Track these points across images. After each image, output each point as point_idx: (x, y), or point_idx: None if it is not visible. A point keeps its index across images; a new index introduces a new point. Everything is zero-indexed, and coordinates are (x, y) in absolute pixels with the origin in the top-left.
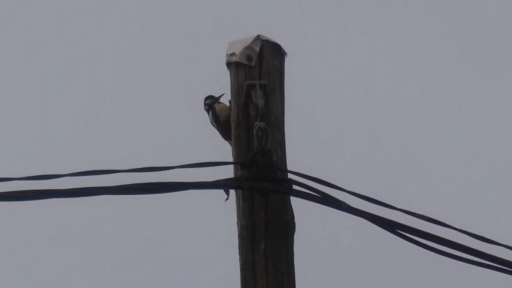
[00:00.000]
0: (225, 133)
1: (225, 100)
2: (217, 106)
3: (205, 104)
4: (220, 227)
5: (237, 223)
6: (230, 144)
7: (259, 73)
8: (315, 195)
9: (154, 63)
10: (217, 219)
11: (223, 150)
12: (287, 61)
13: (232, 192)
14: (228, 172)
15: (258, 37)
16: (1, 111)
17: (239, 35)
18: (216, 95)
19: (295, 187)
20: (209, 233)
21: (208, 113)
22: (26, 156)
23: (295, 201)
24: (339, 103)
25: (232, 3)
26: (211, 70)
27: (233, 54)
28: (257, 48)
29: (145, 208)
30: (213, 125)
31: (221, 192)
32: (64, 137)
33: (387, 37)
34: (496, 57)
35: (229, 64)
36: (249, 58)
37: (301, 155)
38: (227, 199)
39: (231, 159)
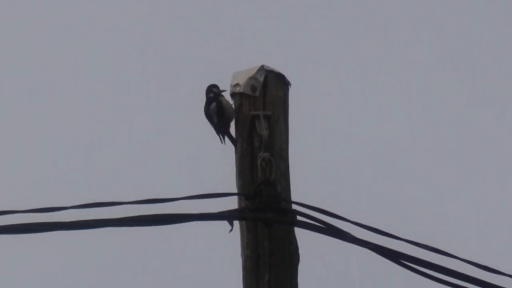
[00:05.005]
0: (225, 129)
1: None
2: (223, 100)
3: (211, 91)
4: (224, 258)
5: (241, 254)
6: (221, 141)
7: (263, 103)
8: (319, 226)
9: (158, 96)
10: (221, 250)
11: (228, 181)
12: (291, 91)
13: (236, 223)
14: (232, 203)
15: (262, 68)
16: (4, 143)
17: (244, 65)
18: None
19: (299, 217)
20: (214, 264)
21: (210, 102)
22: (30, 189)
23: (299, 232)
24: (344, 133)
25: (236, 34)
26: None
27: (237, 84)
28: (261, 79)
29: (149, 240)
30: (208, 116)
31: (225, 223)
32: (67, 169)
33: (393, 69)
34: (502, 90)
35: (233, 95)
36: (253, 88)
37: (306, 185)
38: (231, 230)
39: (235, 190)
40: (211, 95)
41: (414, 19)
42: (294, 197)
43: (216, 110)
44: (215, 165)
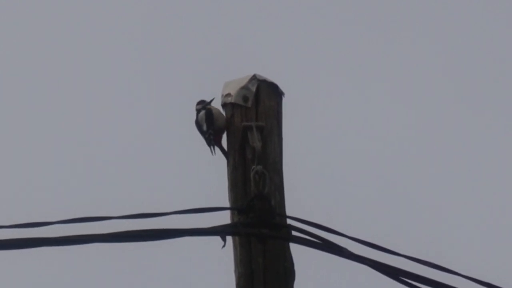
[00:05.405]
0: (215, 139)
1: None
2: (212, 108)
3: (196, 110)
4: (217, 275)
5: (235, 271)
6: (212, 152)
7: (255, 114)
8: (315, 241)
9: (147, 108)
10: (214, 267)
11: (220, 195)
12: (285, 101)
13: (229, 238)
14: (224, 217)
15: (254, 77)
16: None
17: (235, 74)
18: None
19: (294, 233)
20: (206, 282)
21: (198, 112)
22: (14, 204)
23: (294, 248)
24: (340, 144)
25: (227, 42)
26: None
27: (228, 94)
28: (254, 88)
29: (139, 256)
30: (198, 126)
31: (217, 239)
32: (54, 183)
33: (387, 78)
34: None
35: (224, 105)
36: (245, 98)
37: (301, 199)
38: (224, 246)
39: (227, 204)
40: (199, 106)
41: (411, 21)
42: (289, 212)
43: (205, 116)
44: (206, 178)
